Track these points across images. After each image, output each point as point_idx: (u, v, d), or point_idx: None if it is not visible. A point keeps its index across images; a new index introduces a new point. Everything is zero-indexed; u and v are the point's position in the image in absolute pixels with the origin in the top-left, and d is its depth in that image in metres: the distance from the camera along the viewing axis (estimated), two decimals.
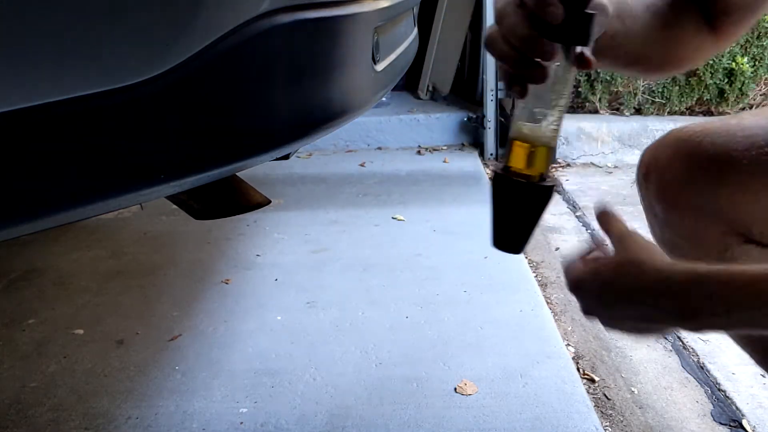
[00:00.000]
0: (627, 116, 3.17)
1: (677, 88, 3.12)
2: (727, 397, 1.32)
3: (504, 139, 3.12)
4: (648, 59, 0.68)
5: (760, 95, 3.23)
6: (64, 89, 0.52)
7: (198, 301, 1.69)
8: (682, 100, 3.14)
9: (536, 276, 1.83)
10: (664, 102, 3.16)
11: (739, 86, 3.06)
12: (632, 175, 2.88)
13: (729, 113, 3.17)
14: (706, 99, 3.13)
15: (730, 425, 1.24)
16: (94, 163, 0.57)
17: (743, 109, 3.21)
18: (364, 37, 0.90)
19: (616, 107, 3.21)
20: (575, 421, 1.19)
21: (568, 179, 2.76)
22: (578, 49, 0.55)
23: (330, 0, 0.79)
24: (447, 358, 1.40)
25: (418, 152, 3.16)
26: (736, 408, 1.28)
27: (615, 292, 0.56)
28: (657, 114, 3.19)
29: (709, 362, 1.43)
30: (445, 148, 3.22)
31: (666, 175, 0.73)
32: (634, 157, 2.98)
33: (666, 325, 0.55)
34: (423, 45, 3.41)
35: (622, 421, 1.26)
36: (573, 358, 1.44)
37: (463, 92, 3.62)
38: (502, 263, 1.86)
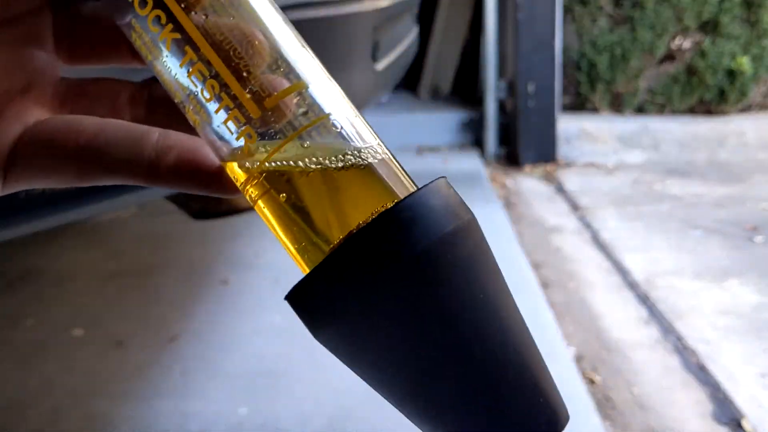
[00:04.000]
0: (628, 116, 3.16)
1: (678, 88, 3.11)
2: (728, 397, 1.31)
3: (505, 138, 3.12)
4: None
5: (760, 95, 3.23)
6: None
7: (197, 302, 1.69)
8: (683, 99, 3.14)
9: (537, 276, 1.82)
10: (664, 102, 3.16)
11: (740, 86, 3.05)
12: (633, 175, 2.88)
13: (729, 113, 3.17)
14: (707, 99, 3.13)
15: (730, 425, 1.24)
16: None
17: (743, 109, 3.21)
18: (364, 36, 0.90)
19: (617, 107, 3.20)
20: (576, 421, 1.18)
21: (568, 179, 2.76)
22: None
23: None
24: None
25: (418, 152, 3.16)
26: (737, 408, 1.28)
27: None
28: (658, 114, 3.19)
29: (710, 363, 1.43)
30: (445, 148, 3.22)
31: None
32: (635, 157, 2.98)
33: None
34: (423, 44, 3.41)
35: (623, 422, 1.26)
36: (574, 359, 1.44)
37: (464, 92, 3.62)
38: (502, 263, 1.83)
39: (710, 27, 3.06)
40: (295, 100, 0.23)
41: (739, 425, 1.23)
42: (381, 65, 1.03)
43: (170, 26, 0.23)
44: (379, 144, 0.25)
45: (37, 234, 1.83)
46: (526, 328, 0.24)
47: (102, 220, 2.26)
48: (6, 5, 0.24)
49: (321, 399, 1.28)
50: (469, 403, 0.23)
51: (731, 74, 3.05)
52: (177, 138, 0.25)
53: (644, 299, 1.73)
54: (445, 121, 3.28)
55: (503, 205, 2.39)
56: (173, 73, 0.24)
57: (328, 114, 0.24)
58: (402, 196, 0.24)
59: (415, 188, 0.25)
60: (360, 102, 0.94)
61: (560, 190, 2.65)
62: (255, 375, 1.36)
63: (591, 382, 1.37)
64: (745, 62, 3.02)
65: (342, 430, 1.19)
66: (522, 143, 2.93)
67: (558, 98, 2.96)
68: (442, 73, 3.67)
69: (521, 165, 2.93)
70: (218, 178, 0.25)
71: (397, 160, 0.25)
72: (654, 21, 3.02)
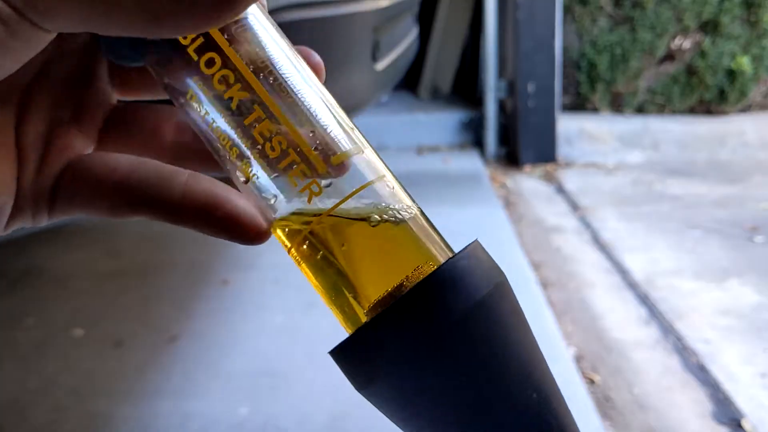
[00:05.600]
0: (628, 116, 3.16)
1: (678, 88, 3.11)
2: (728, 397, 1.31)
3: (505, 138, 3.12)
4: None
5: (760, 95, 3.23)
6: None
7: (197, 302, 1.69)
8: (683, 99, 3.14)
9: (537, 276, 1.82)
10: (664, 102, 3.16)
11: (740, 86, 3.06)
12: (633, 175, 2.88)
13: (729, 113, 3.17)
14: (707, 99, 3.13)
15: (730, 425, 1.24)
16: None
17: (743, 109, 3.21)
18: (364, 36, 0.90)
19: (617, 107, 3.21)
20: (576, 421, 1.18)
21: (568, 179, 2.76)
22: None
23: None
24: None
25: (419, 152, 3.16)
26: (737, 408, 1.28)
27: None
28: (658, 114, 3.19)
29: (710, 363, 1.43)
30: (445, 148, 3.22)
31: None
32: (635, 157, 2.98)
33: None
34: (423, 44, 3.41)
35: (622, 422, 1.26)
36: (574, 359, 1.44)
37: (464, 92, 3.62)
38: (503, 263, 1.84)
39: (710, 27, 3.06)
40: (351, 161, 0.25)
41: (739, 425, 1.24)
42: (381, 65, 1.03)
43: (238, 86, 0.24)
44: (413, 207, 0.26)
45: (37, 234, 1.83)
46: (551, 374, 0.26)
47: (101, 220, 2.25)
48: (63, 42, 0.25)
49: (321, 399, 1.28)
50: None
51: (731, 74, 3.06)
52: (205, 181, 0.26)
53: (644, 299, 1.73)
54: (445, 121, 3.28)
55: (503, 205, 2.39)
56: (232, 128, 0.25)
57: (377, 178, 0.26)
58: (437, 257, 0.25)
59: (449, 249, 0.26)
60: (360, 102, 0.94)
61: (560, 190, 2.65)
62: (255, 375, 1.36)
63: (591, 382, 1.37)
64: (745, 62, 3.02)
65: (342, 430, 1.19)
66: (522, 143, 2.93)
67: (558, 98, 2.96)
68: (442, 73, 3.67)
69: (521, 165, 2.93)
70: (238, 225, 0.26)
71: (429, 219, 0.27)
72: (654, 21, 3.02)
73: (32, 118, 0.26)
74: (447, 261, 0.24)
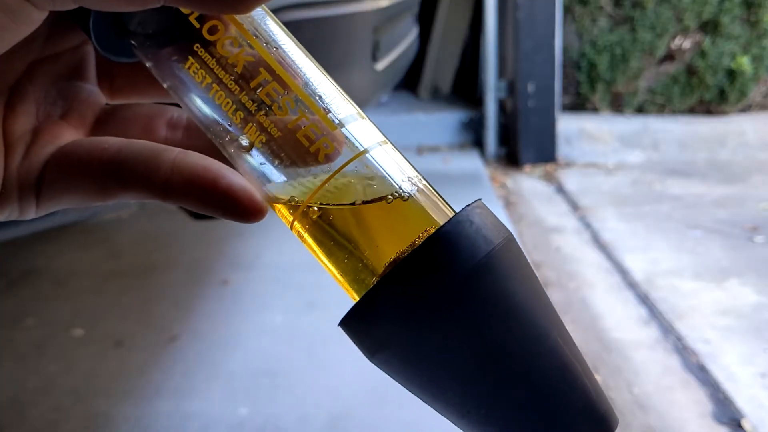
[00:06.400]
0: (628, 116, 3.16)
1: (678, 88, 3.11)
2: (728, 397, 1.31)
3: (505, 138, 3.12)
4: None
5: (760, 95, 3.23)
6: None
7: (197, 302, 1.69)
8: (683, 99, 3.14)
9: (537, 276, 1.82)
10: (664, 102, 3.16)
11: (740, 86, 3.06)
12: (633, 175, 2.87)
13: (729, 113, 3.17)
14: (707, 99, 3.13)
15: (730, 425, 1.24)
16: None
17: (743, 109, 3.22)
18: (364, 36, 0.90)
19: (617, 107, 3.21)
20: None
21: (568, 179, 2.76)
22: None
23: None
24: None
25: (419, 152, 3.16)
26: (737, 408, 1.28)
27: None
28: (658, 114, 3.19)
29: (710, 363, 1.43)
30: (445, 148, 3.22)
31: None
32: (635, 157, 2.98)
33: None
34: (423, 44, 3.41)
35: (623, 422, 1.26)
36: None
37: (464, 92, 3.62)
38: None
39: (710, 27, 3.06)
40: (356, 125, 0.25)
41: (739, 425, 1.24)
42: (381, 65, 1.03)
43: (243, 50, 0.25)
44: (417, 175, 0.26)
45: (37, 234, 1.83)
46: (569, 335, 0.25)
47: (102, 220, 2.26)
48: (50, 44, 0.26)
49: (321, 399, 1.28)
50: (526, 407, 0.23)
51: (731, 74, 3.06)
52: (196, 156, 0.25)
53: (644, 299, 1.73)
54: (445, 121, 3.28)
55: (503, 205, 2.39)
56: (237, 93, 0.25)
57: (380, 142, 0.26)
58: (440, 221, 0.25)
59: (453, 212, 0.25)
60: (360, 102, 0.94)
61: (560, 190, 2.65)
62: (255, 375, 1.36)
63: None
64: (745, 62, 3.02)
65: (342, 430, 1.19)
66: (522, 143, 2.93)
67: (558, 98, 2.96)
68: (442, 73, 3.67)
69: (521, 165, 2.93)
70: (233, 199, 0.25)
71: (431, 185, 0.26)
72: (654, 21, 3.02)
73: (20, 113, 0.26)
74: (452, 217, 0.24)
